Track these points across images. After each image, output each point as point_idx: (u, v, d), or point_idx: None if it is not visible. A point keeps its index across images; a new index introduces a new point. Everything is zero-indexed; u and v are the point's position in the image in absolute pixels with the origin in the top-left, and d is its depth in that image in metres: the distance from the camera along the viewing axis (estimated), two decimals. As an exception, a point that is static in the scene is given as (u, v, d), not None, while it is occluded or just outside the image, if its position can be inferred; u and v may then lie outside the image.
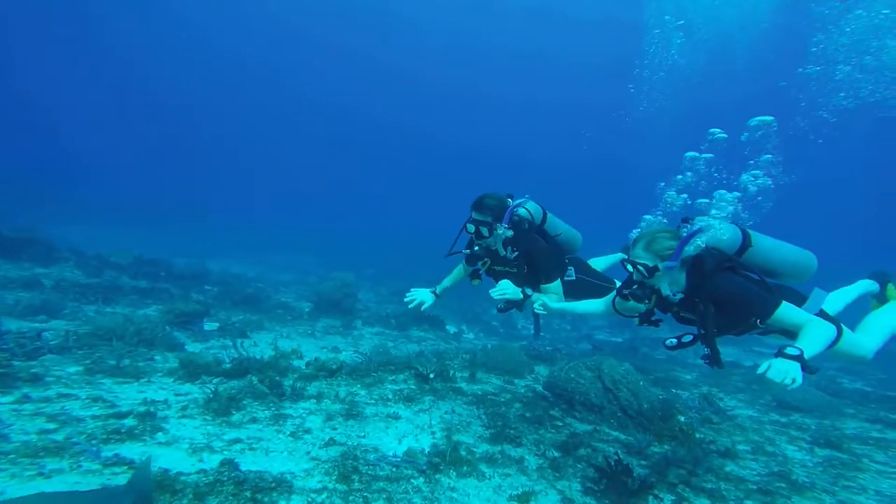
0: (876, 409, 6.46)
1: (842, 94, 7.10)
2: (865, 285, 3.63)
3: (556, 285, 3.98)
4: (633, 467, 3.25)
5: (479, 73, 48.83)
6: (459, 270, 4.55)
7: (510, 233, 3.89)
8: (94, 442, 3.16)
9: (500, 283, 3.85)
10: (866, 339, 3.13)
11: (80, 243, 12.52)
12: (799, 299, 2.98)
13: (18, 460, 2.86)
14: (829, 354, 2.94)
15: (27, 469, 2.78)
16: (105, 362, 4.80)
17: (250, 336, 7.41)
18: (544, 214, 4.21)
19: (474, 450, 3.84)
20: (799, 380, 2.30)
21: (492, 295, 3.79)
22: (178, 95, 54.85)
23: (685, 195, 3.34)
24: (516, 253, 3.97)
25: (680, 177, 3.43)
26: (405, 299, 4.39)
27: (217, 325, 7.56)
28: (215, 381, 4.75)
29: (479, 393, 5.54)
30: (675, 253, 2.76)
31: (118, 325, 5.53)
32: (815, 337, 2.51)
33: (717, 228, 2.87)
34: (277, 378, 4.62)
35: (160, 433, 3.47)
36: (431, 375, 5.72)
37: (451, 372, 5.94)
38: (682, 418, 4.57)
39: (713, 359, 2.85)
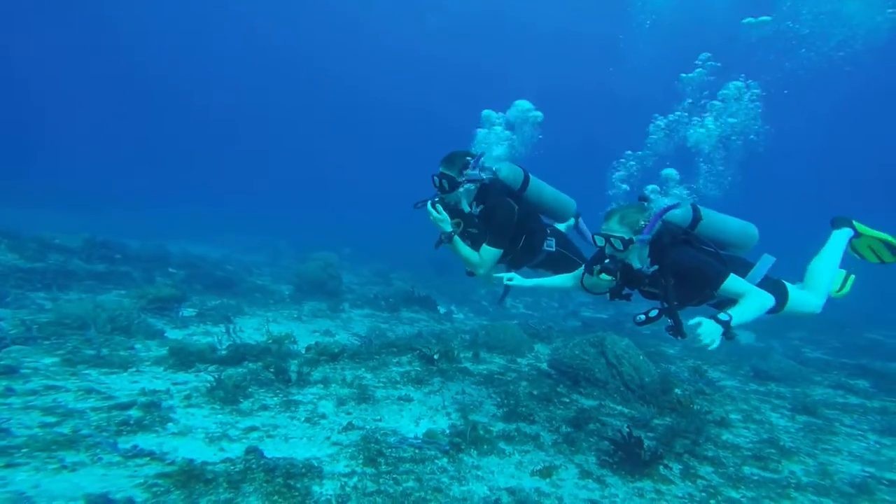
0: (837, 375, 7.00)
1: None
2: (841, 236, 3.81)
3: (490, 252, 3.77)
4: (643, 439, 3.43)
5: (462, 50, 47.84)
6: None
7: (471, 187, 3.78)
8: (104, 434, 3.10)
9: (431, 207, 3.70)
10: (812, 296, 3.45)
11: (16, 226, 11.40)
12: (747, 267, 3.30)
13: (34, 454, 2.77)
14: (783, 316, 3.35)
15: (48, 462, 2.72)
16: (82, 352, 4.56)
17: (234, 321, 7.27)
18: (525, 179, 4.01)
19: (491, 428, 3.97)
20: (717, 344, 2.63)
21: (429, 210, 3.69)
22: (140, 70, 52.29)
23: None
24: (480, 208, 3.83)
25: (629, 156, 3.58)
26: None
27: (195, 310, 7.26)
28: (211, 368, 4.62)
29: (486, 372, 5.68)
30: (649, 225, 2.92)
31: (87, 313, 5.18)
32: (747, 308, 2.79)
33: (680, 203, 3.09)
34: (283, 364, 4.59)
35: (170, 424, 3.41)
36: (436, 356, 5.79)
37: (456, 352, 6.04)
38: (678, 391, 4.81)
39: (676, 329, 3.02)
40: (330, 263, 11.65)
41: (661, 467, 3.30)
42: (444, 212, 3.71)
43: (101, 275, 8.50)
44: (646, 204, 3.10)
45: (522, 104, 3.98)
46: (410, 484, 3.01)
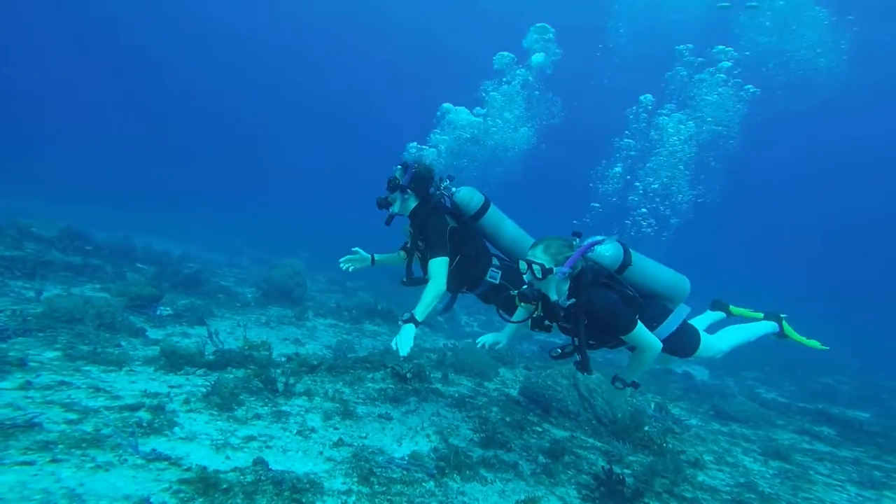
0: (800, 420, 7.34)
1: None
2: (767, 328, 4.19)
3: (436, 263, 3.72)
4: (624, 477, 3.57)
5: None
6: (399, 255, 4.36)
7: (410, 197, 3.84)
8: (123, 435, 3.10)
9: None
10: (719, 344, 3.72)
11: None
12: (665, 314, 3.41)
13: (70, 451, 2.84)
14: (693, 360, 3.65)
15: (84, 461, 2.78)
16: (78, 347, 4.54)
17: (208, 324, 7.16)
18: (483, 208, 3.93)
19: (470, 454, 4.01)
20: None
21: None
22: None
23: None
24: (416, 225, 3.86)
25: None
26: (341, 261, 4.24)
27: (170, 310, 7.21)
28: (199, 372, 4.62)
29: (457, 395, 5.73)
30: (571, 259, 2.94)
31: (77, 308, 5.15)
32: (637, 363, 3.13)
33: (605, 245, 3.17)
34: (270, 374, 4.54)
35: (177, 428, 3.41)
36: (409, 375, 5.83)
37: (427, 373, 6.09)
38: (648, 428, 5.01)
39: (583, 366, 3.15)
40: (297, 271, 11.64)
41: None
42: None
43: (76, 267, 8.50)
44: (576, 240, 3.13)
45: (446, 107, 4.09)
46: (401, 507, 3.03)
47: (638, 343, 3.03)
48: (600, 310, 2.95)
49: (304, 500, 2.83)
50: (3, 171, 26.15)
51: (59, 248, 9.57)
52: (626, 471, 3.64)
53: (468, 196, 3.90)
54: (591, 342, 3.19)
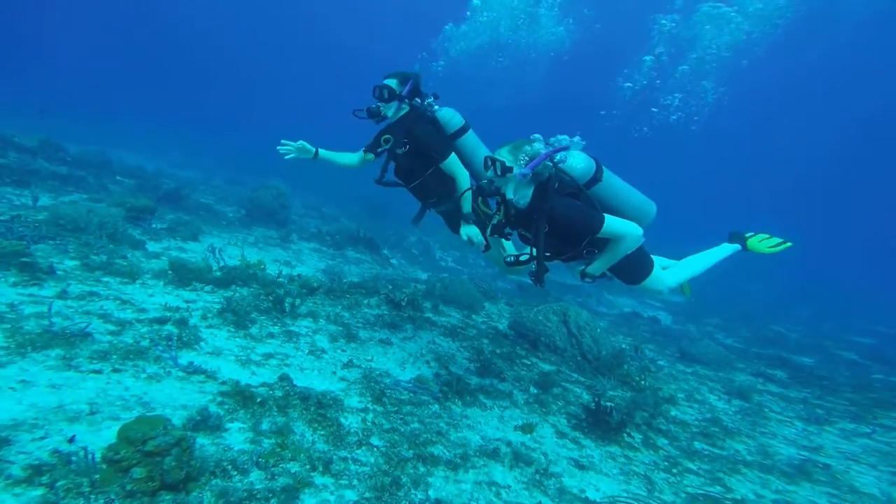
0: (757, 364, 8.00)
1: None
2: (728, 249, 4.20)
3: (453, 161, 3.92)
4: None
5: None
6: (349, 154, 4.36)
7: (404, 106, 3.96)
8: (159, 348, 3.25)
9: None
10: (668, 278, 3.70)
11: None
12: None
13: (125, 362, 3.01)
14: (637, 290, 3.67)
15: (138, 372, 2.94)
16: (91, 258, 4.59)
17: (200, 240, 7.14)
18: (461, 129, 4.06)
19: (468, 382, 4.30)
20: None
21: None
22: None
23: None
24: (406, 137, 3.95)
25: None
26: (280, 147, 4.11)
27: (164, 224, 7.14)
28: (207, 288, 4.73)
29: (448, 325, 5.98)
30: (534, 162, 2.95)
31: (81, 216, 5.10)
32: (612, 254, 3.07)
33: (574, 155, 3.18)
34: (279, 294, 4.65)
35: (202, 343, 3.57)
36: (404, 303, 6.03)
37: (419, 301, 6.30)
38: (627, 366, 5.41)
39: (538, 277, 3.21)
40: (282, 193, 11.55)
41: (625, 435, 3.81)
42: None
43: (62, 176, 8.45)
44: (542, 144, 3.11)
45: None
46: (416, 426, 3.28)
47: (614, 233, 2.97)
48: (563, 216, 2.96)
49: (328, 415, 3.05)
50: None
51: (44, 157, 9.40)
52: (608, 404, 3.97)
53: (450, 115, 4.03)
54: (547, 253, 3.20)
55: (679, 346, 7.88)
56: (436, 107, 4.02)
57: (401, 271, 10.23)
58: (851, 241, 46.08)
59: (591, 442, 3.65)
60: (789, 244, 4.17)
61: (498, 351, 5.39)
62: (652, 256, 3.60)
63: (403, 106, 3.98)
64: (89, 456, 1.95)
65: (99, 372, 2.81)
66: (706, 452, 3.99)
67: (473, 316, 6.92)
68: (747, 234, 4.26)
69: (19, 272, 3.86)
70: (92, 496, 1.84)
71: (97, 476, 1.88)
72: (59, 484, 1.86)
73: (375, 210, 15.28)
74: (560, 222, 2.97)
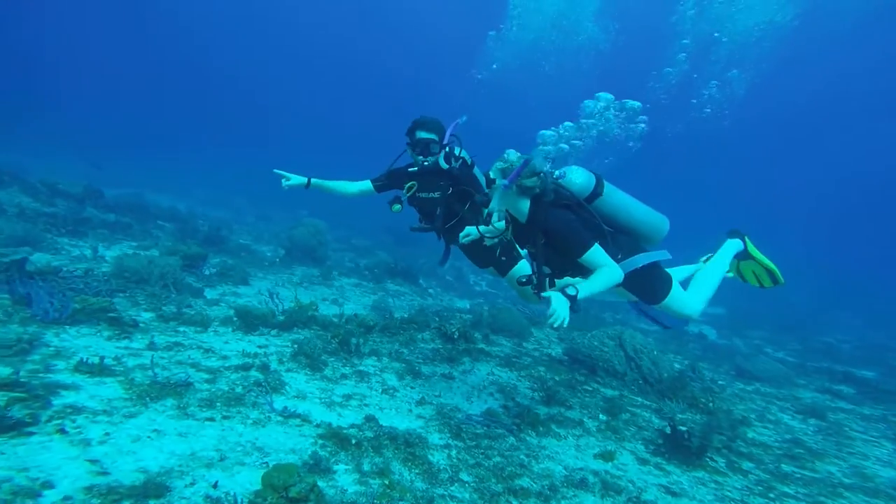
0: (818, 379, 7.75)
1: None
2: (731, 246, 3.98)
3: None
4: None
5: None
6: (344, 184, 4.51)
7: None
8: (252, 394, 3.40)
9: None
10: (692, 300, 3.54)
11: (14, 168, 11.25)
12: (636, 252, 3.31)
13: (229, 409, 3.14)
14: (659, 309, 3.50)
15: (244, 418, 3.08)
16: (162, 308, 4.79)
17: (251, 284, 7.36)
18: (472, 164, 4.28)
19: (537, 412, 4.31)
20: (567, 321, 2.80)
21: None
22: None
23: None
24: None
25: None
26: (276, 171, 4.31)
27: (214, 269, 7.35)
28: (273, 332, 4.89)
29: (502, 355, 6.01)
30: (513, 174, 3.01)
31: (143, 268, 5.34)
32: (596, 280, 2.90)
33: (573, 171, 3.22)
34: (346, 336, 4.78)
35: (287, 387, 3.70)
36: (455, 335, 6.09)
37: (471, 333, 6.35)
38: (691, 388, 5.33)
39: (538, 288, 3.25)
40: (319, 230, 11.73)
41: (707, 459, 3.76)
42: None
43: (110, 224, 8.61)
44: (548, 163, 3.20)
45: None
46: (498, 459, 3.31)
47: (595, 264, 2.94)
48: (554, 229, 3.01)
49: (417, 453, 3.12)
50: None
51: (93, 205, 9.75)
52: (682, 428, 3.93)
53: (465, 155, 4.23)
54: (547, 269, 3.25)
55: (734, 363, 7.71)
56: (458, 145, 4.20)
57: (439, 300, 10.28)
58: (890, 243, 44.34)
59: (675, 468, 3.61)
60: (775, 284, 4.03)
61: (557, 378, 5.38)
62: (670, 272, 3.48)
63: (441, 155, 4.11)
64: (238, 502, 2.08)
65: (212, 419, 2.96)
66: (798, 475, 3.89)
67: (524, 343, 6.93)
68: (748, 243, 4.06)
69: (109, 326, 4.08)
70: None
71: None
72: None
73: (403, 239, 15.44)
74: (553, 234, 3.04)
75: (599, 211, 3.25)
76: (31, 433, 2.44)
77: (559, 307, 2.77)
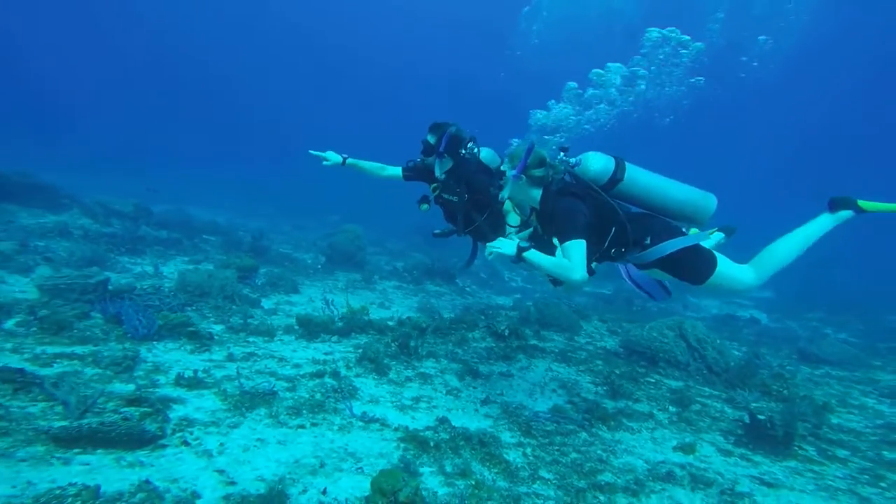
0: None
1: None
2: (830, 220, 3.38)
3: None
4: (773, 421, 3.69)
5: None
6: (378, 166, 4.57)
7: (450, 162, 4.11)
8: (330, 400, 3.47)
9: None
10: (750, 272, 3.16)
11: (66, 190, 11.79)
12: (673, 234, 3.11)
13: (315, 416, 3.22)
14: (713, 291, 3.23)
15: (329, 424, 3.15)
16: (230, 320, 4.95)
17: (301, 292, 7.46)
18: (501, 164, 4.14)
19: (604, 406, 4.19)
20: (493, 256, 2.96)
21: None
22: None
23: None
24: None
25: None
26: (312, 152, 4.39)
27: (264, 279, 7.48)
28: (334, 339, 4.95)
29: (556, 350, 5.89)
30: (520, 165, 3.04)
31: (204, 282, 5.50)
32: (552, 263, 2.85)
33: (589, 157, 3.11)
34: (406, 339, 4.78)
35: (360, 392, 3.74)
36: (506, 333, 6.00)
37: (522, 330, 6.25)
38: (764, 374, 5.11)
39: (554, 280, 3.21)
40: (358, 236, 11.83)
41: (796, 448, 3.58)
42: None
43: (163, 241, 8.91)
44: (560, 154, 3.16)
45: None
46: (575, 455, 3.24)
47: (565, 254, 2.87)
48: (552, 213, 3.02)
49: (493, 452, 3.09)
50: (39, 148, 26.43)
51: (146, 223, 10.13)
52: (761, 417, 3.75)
53: (491, 155, 4.32)
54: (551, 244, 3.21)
55: (796, 347, 7.37)
56: (475, 150, 4.17)
57: (478, 299, 10.21)
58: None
59: (762, 458, 3.45)
60: None
61: (618, 371, 5.24)
62: (717, 255, 3.18)
63: (445, 159, 4.12)
64: None
65: (303, 426, 3.04)
66: (904, 462, 3.66)
67: (576, 338, 6.79)
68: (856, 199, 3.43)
69: (189, 340, 4.23)
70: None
71: None
72: None
73: (433, 239, 15.38)
74: (549, 218, 3.07)
75: (626, 195, 3.13)
76: (164, 445, 2.59)
77: (505, 245, 2.87)
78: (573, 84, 4.36)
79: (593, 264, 3.14)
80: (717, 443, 3.69)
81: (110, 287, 4.92)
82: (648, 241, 3.05)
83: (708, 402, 4.56)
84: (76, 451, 2.38)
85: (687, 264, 3.09)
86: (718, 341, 5.49)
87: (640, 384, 4.94)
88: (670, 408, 4.33)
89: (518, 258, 2.87)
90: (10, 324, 4.03)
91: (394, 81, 54.85)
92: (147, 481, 2.18)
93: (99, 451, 2.42)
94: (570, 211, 2.93)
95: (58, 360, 3.48)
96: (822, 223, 3.22)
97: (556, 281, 3.50)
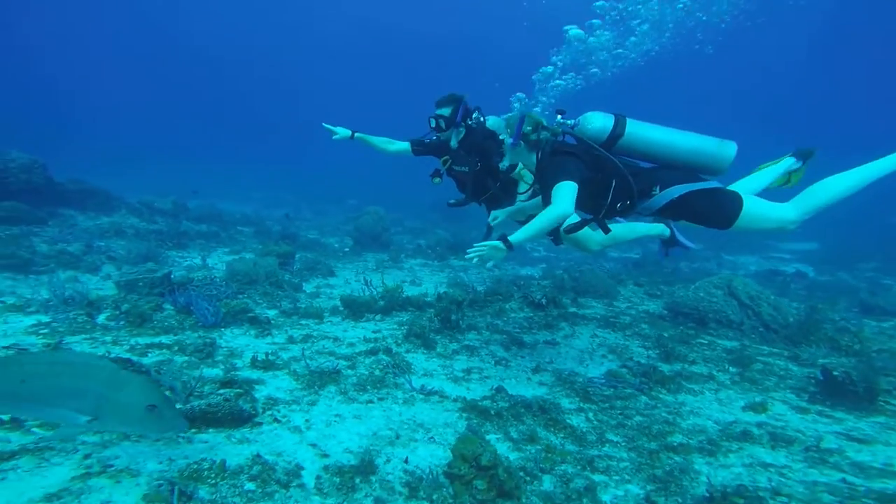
0: None
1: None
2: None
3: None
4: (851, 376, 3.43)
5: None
6: (386, 140, 4.50)
7: (464, 131, 4.06)
8: (389, 376, 3.48)
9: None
10: (785, 210, 2.97)
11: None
12: (689, 181, 3.03)
13: (379, 391, 3.26)
14: (740, 232, 3.04)
15: (392, 398, 3.17)
16: (280, 305, 5.08)
17: (336, 275, 7.42)
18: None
19: (660, 369, 3.98)
20: (490, 264, 2.95)
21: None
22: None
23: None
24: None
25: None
26: (325, 126, 4.30)
27: (300, 265, 7.50)
28: (378, 317, 4.92)
29: (598, 316, 5.69)
30: (514, 133, 3.12)
31: (251, 270, 5.63)
32: (536, 222, 2.81)
33: (588, 117, 3.10)
34: (448, 313, 4.67)
35: (413, 367, 3.73)
36: (544, 302, 5.80)
37: (559, 298, 6.06)
38: (827, 329, 4.81)
39: (553, 235, 3.43)
40: (381, 217, 11.81)
41: (881, 403, 3.33)
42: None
43: (204, 234, 9.37)
44: (558, 116, 3.20)
45: None
46: (639, 418, 3.09)
47: (552, 198, 2.85)
48: (543, 172, 3.09)
49: (556, 418, 2.97)
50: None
51: (185, 218, 10.57)
52: (835, 372, 3.50)
53: (498, 123, 4.20)
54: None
55: (856, 299, 6.99)
56: (481, 118, 4.15)
57: (504, 270, 10.03)
58: None
59: (844, 414, 3.22)
60: None
61: (666, 334, 5.02)
62: (744, 195, 2.98)
63: (461, 129, 4.08)
64: (433, 473, 2.25)
65: (371, 402, 3.08)
66: None
67: (615, 303, 6.57)
68: None
69: (251, 325, 4.37)
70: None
71: (451, 490, 2.13)
72: (434, 497, 2.13)
73: (450, 215, 15.35)
74: (544, 176, 3.07)
75: (630, 150, 3.09)
76: (260, 423, 2.72)
77: (492, 253, 2.84)
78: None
79: (606, 222, 3.18)
80: (789, 401, 3.46)
81: (172, 279, 5.17)
82: (657, 191, 3.02)
83: (770, 361, 4.31)
84: (193, 430, 2.55)
85: (706, 209, 3.00)
86: (773, 297, 5.20)
87: (693, 346, 4.71)
88: (730, 368, 4.10)
89: (511, 247, 2.82)
90: (101, 318, 4.29)
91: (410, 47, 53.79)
92: (258, 455, 2.33)
93: (210, 429, 2.59)
94: (559, 164, 2.98)
95: (150, 350, 3.69)
96: (890, 162, 2.87)
97: (556, 238, 3.60)
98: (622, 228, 3.59)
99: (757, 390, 3.67)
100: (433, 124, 4.04)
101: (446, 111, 3.98)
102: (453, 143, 4.12)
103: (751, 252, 13.49)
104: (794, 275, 9.57)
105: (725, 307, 5.19)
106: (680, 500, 2.17)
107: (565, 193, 2.80)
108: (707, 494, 2.10)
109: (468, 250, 2.90)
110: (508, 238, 2.82)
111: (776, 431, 2.90)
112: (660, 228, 3.66)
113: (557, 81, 4.07)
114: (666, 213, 3.11)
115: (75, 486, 1.98)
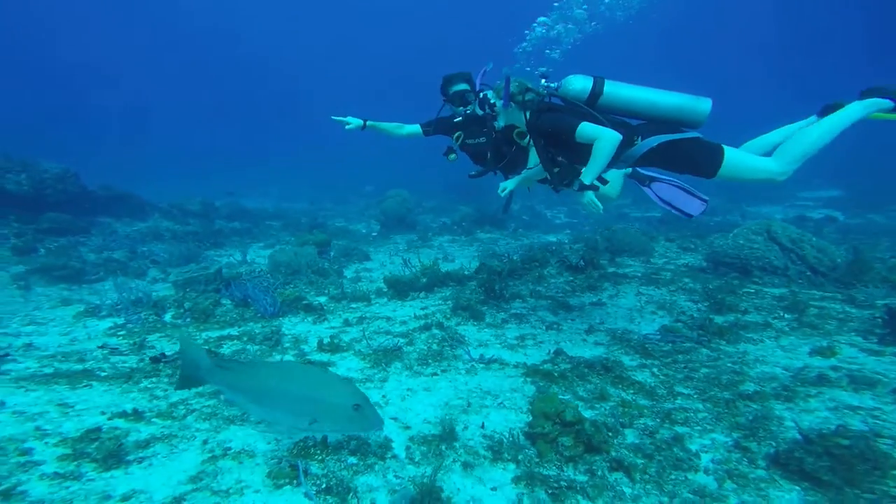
0: None
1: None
2: (860, 108, 3.18)
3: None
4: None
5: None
6: (396, 125, 4.48)
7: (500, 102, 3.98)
8: (446, 348, 3.56)
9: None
10: (771, 162, 3.10)
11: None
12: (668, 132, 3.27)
13: (440, 364, 3.33)
14: (727, 180, 3.17)
15: (455, 370, 3.24)
16: (328, 291, 5.20)
17: (372, 259, 7.48)
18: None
19: (714, 321, 3.95)
20: (600, 207, 3.22)
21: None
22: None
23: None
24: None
25: None
26: (335, 118, 4.30)
27: (335, 251, 7.63)
28: (422, 294, 4.98)
29: (639, 275, 5.64)
30: (504, 96, 3.36)
31: (292, 261, 5.79)
32: (595, 157, 3.05)
33: (569, 79, 3.33)
34: (491, 283, 4.71)
35: (467, 338, 3.80)
36: (582, 264, 5.76)
37: (597, 259, 6.01)
38: (880, 268, 4.71)
39: (552, 184, 3.53)
40: (405, 199, 11.85)
41: None
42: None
43: (238, 231, 9.67)
44: (542, 80, 3.40)
45: None
46: (705, 370, 3.10)
47: (588, 138, 3.08)
48: (545, 126, 3.26)
49: (622, 375, 3.00)
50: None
51: (216, 217, 10.93)
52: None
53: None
54: (556, 169, 3.47)
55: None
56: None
57: (532, 239, 10.01)
58: None
59: (921, 352, 3.17)
60: None
61: (712, 286, 4.96)
62: (725, 146, 3.16)
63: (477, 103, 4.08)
64: (513, 435, 2.30)
65: (436, 374, 3.16)
66: None
67: (652, 260, 6.52)
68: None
69: (307, 313, 4.50)
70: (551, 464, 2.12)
71: (534, 450, 2.17)
72: (520, 457, 2.17)
73: (468, 192, 15.31)
74: (546, 131, 3.27)
75: (612, 107, 3.32)
76: None
77: (588, 200, 3.15)
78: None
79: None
80: (857, 343, 3.43)
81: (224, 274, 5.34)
82: (638, 140, 3.24)
83: (825, 305, 4.25)
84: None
85: (686, 156, 3.20)
86: (815, 239, 5.09)
87: (741, 296, 4.67)
88: (785, 315, 4.06)
89: (594, 187, 3.10)
90: (167, 317, 4.48)
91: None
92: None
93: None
94: (557, 117, 3.23)
95: (223, 342, 3.82)
96: (852, 111, 3.13)
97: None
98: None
99: (819, 335, 3.63)
100: (458, 101, 3.95)
101: (464, 86, 3.93)
102: (478, 110, 3.99)
103: (772, 203, 13.23)
104: (825, 219, 9.36)
105: (767, 253, 5.11)
106: (774, 444, 2.17)
107: (592, 126, 3.07)
108: (801, 437, 2.09)
109: (588, 209, 3.20)
110: (584, 182, 3.06)
111: (854, 374, 2.88)
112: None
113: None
114: (648, 160, 3.31)
115: (209, 469, 2.16)
